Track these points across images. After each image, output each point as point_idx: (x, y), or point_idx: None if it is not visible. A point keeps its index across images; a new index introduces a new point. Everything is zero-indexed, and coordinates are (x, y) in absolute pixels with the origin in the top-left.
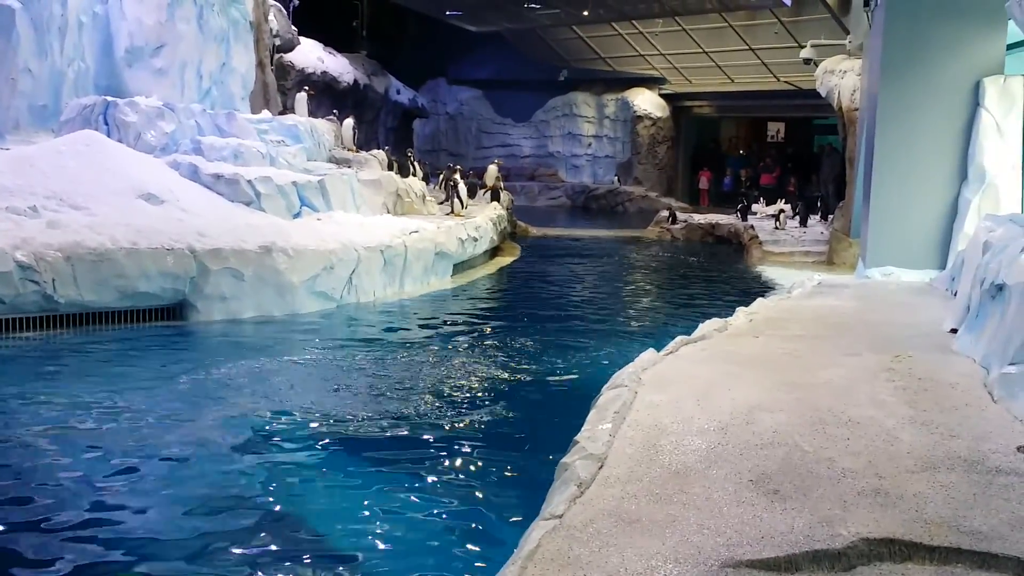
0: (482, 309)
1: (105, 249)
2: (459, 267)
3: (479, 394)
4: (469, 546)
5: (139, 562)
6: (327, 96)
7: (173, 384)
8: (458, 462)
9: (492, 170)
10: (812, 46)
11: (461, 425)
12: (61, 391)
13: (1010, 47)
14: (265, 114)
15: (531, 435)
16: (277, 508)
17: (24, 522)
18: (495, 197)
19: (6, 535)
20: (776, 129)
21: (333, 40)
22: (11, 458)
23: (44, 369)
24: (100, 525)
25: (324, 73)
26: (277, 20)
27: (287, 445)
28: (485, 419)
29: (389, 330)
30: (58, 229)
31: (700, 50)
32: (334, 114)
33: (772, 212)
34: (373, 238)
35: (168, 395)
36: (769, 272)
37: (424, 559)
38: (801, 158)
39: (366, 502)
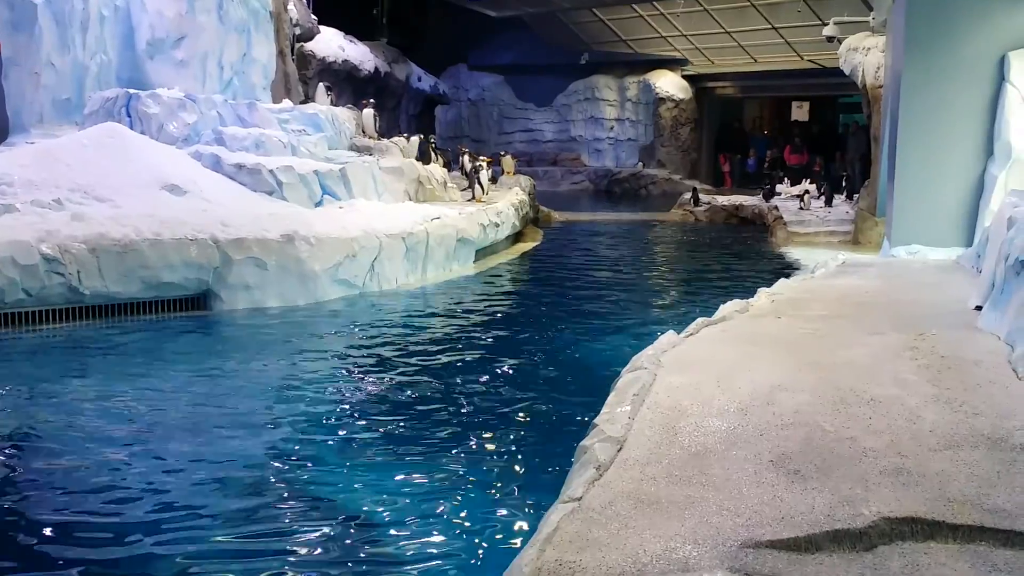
0: (504, 294)
1: (129, 240)
2: (481, 253)
3: (499, 378)
4: (488, 528)
5: (161, 550)
6: (348, 84)
7: (199, 374)
8: (478, 445)
9: (509, 161)
10: (835, 24)
11: (481, 408)
12: (88, 382)
13: None
14: (286, 103)
15: (550, 418)
16: (300, 494)
17: (51, 511)
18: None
19: (33, 525)
20: (800, 108)
21: (353, 28)
22: (38, 449)
23: (71, 360)
24: (126, 514)
25: (345, 62)
26: (297, 9)
27: (311, 431)
28: (505, 402)
29: (411, 316)
30: (82, 221)
31: (722, 30)
32: (369, 102)
33: (797, 192)
34: (395, 225)
35: (194, 385)
36: (794, 252)
37: (444, 541)
38: (827, 137)
39: (386, 485)
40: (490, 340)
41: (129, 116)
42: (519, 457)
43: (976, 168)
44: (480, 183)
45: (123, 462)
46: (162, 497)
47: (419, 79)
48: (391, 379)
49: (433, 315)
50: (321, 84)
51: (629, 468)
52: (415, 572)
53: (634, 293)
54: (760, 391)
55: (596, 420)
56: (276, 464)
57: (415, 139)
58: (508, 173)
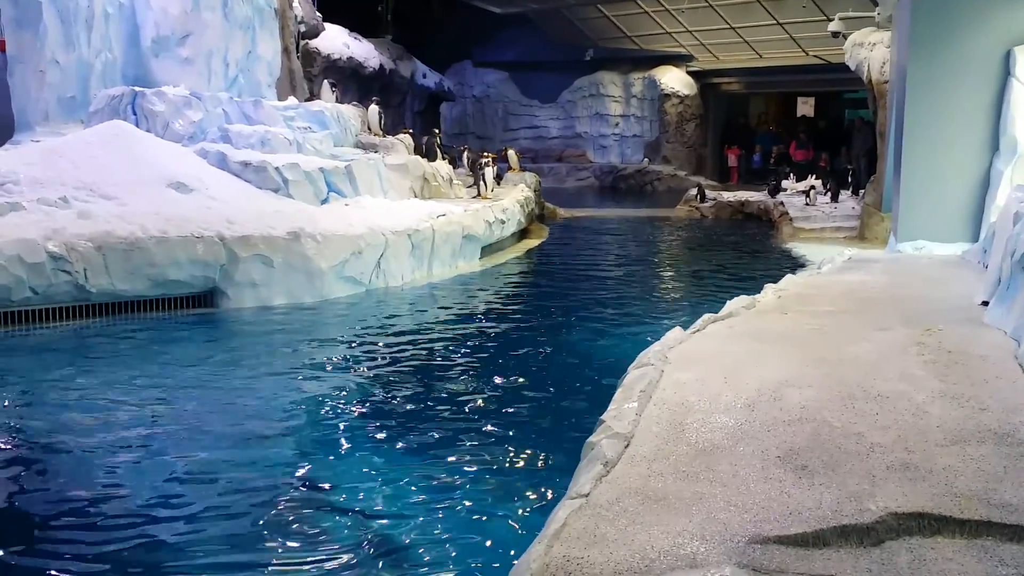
0: (510, 291)
1: (136, 238)
2: (487, 250)
3: (505, 374)
4: (497, 525)
5: (171, 549)
6: (353, 81)
7: (206, 372)
8: (485, 442)
9: (514, 155)
10: (840, 19)
11: (488, 405)
12: (94, 380)
13: None
14: (291, 101)
15: (557, 414)
16: (306, 492)
17: (54, 510)
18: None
19: (36, 524)
20: (806, 104)
21: (358, 25)
22: (43, 447)
23: (78, 358)
24: (130, 512)
25: (350, 59)
26: (302, 6)
27: (317, 429)
28: (511, 399)
29: (418, 313)
30: (89, 219)
31: (727, 26)
32: (374, 99)
33: (802, 188)
34: (401, 222)
35: (200, 383)
36: (800, 248)
37: (452, 538)
38: (832, 133)
39: (393, 482)
40: (496, 337)
41: (135, 114)
42: (526, 453)
43: (982, 163)
44: (485, 180)
45: (128, 459)
46: (167, 495)
47: (424, 76)
48: (397, 376)
49: (439, 312)
50: (326, 81)
51: (636, 464)
52: (422, 569)
53: (640, 289)
54: (767, 387)
55: (603, 416)
56: (281, 462)
57: (426, 137)
58: (514, 168)
